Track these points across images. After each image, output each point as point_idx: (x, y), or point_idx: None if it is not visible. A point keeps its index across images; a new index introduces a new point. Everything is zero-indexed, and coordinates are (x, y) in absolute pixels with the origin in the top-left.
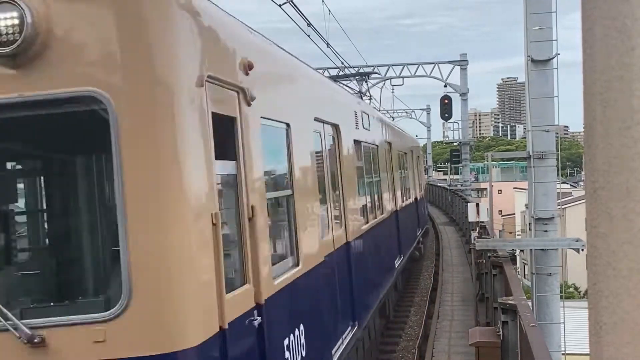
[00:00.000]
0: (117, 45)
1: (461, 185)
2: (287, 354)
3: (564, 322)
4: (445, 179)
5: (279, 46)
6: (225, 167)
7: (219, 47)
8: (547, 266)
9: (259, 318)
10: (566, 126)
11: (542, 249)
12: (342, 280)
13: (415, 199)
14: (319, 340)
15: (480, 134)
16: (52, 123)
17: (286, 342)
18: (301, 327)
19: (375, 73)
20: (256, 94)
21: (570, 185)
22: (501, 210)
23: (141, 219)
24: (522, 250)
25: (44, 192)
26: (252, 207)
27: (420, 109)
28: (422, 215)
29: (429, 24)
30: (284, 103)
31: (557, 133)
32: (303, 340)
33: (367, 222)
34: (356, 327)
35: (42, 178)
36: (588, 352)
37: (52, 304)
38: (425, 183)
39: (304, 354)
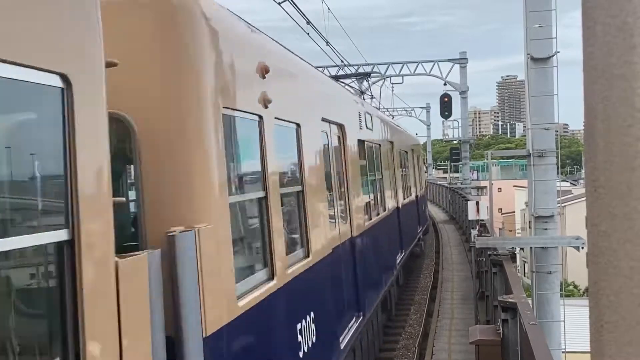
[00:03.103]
0: None
1: (461, 184)
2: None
3: (564, 320)
4: (445, 177)
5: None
6: None
7: None
8: (547, 264)
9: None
10: (566, 124)
11: (542, 247)
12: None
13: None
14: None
15: (480, 132)
16: None
17: None
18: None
19: (375, 72)
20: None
21: (570, 183)
22: (501, 209)
23: None
24: (522, 249)
25: None
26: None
27: (420, 107)
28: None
29: (428, 23)
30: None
31: (557, 131)
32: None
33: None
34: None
35: None
36: (588, 350)
37: None
38: (424, 181)
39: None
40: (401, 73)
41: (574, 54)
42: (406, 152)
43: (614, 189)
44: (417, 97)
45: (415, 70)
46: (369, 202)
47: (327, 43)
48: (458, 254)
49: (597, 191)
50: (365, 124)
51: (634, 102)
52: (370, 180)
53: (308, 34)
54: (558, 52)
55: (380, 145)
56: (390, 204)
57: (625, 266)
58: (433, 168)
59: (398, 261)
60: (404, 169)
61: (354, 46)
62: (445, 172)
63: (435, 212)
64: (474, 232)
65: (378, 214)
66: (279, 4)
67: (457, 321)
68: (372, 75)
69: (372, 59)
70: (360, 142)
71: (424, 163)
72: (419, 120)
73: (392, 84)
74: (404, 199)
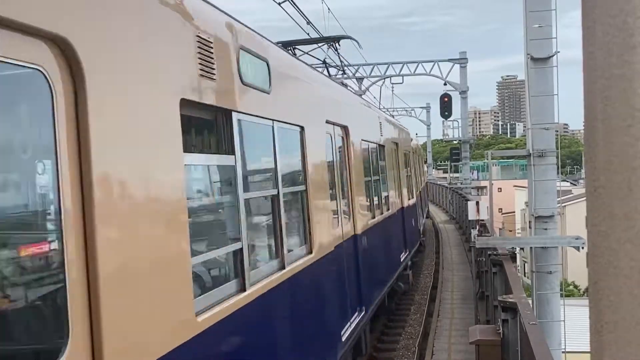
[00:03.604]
0: None
1: (461, 184)
2: None
3: (564, 320)
4: (446, 177)
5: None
6: None
7: None
8: (547, 264)
9: None
10: (566, 124)
11: (542, 247)
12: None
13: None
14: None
15: (480, 132)
16: None
17: None
18: None
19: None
20: None
21: (570, 183)
22: (501, 208)
23: None
24: (522, 248)
25: None
26: None
27: (420, 107)
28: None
29: (428, 23)
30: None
31: (557, 131)
32: None
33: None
34: None
35: None
36: (588, 350)
37: None
38: (421, 185)
39: None
40: (401, 73)
41: (574, 53)
42: (383, 146)
43: (614, 189)
44: (417, 97)
45: (416, 70)
46: (278, 236)
47: None
48: (458, 254)
49: (597, 191)
50: (269, 82)
51: (634, 102)
52: (304, 193)
53: (308, 34)
54: (558, 52)
55: (332, 133)
56: (337, 232)
57: (625, 266)
58: (433, 168)
59: (345, 337)
60: (379, 176)
61: (353, 46)
62: (445, 172)
63: (436, 212)
64: (474, 232)
65: (311, 251)
66: (279, 4)
67: (457, 321)
68: (342, 39)
69: (372, 59)
70: (259, 127)
71: (425, 163)
72: (419, 120)
73: (392, 84)
74: (381, 213)
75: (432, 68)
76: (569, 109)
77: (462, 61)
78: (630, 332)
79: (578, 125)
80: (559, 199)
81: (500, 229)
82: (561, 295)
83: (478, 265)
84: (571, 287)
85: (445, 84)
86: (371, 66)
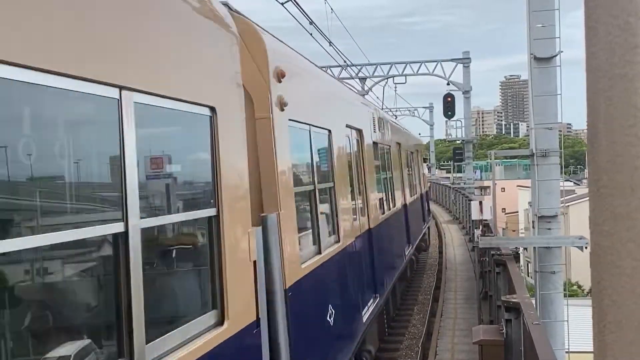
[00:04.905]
0: None
1: (464, 184)
2: None
3: (567, 320)
4: (449, 177)
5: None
6: None
7: None
8: (551, 264)
9: None
10: (569, 124)
11: (546, 247)
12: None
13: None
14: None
15: (483, 132)
16: None
17: None
18: None
19: None
20: None
21: (574, 183)
22: (504, 208)
23: None
24: (525, 248)
25: None
26: None
27: (423, 107)
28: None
29: (430, 22)
30: None
31: (560, 131)
32: None
33: None
34: None
35: None
36: (592, 350)
37: None
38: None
39: None
40: (404, 73)
41: (577, 53)
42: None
43: (616, 189)
44: (420, 97)
45: (418, 70)
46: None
47: (330, 43)
48: (461, 254)
49: (599, 191)
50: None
51: (636, 102)
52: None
53: (311, 34)
54: (561, 51)
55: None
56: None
57: (627, 266)
58: (436, 168)
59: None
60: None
61: (356, 46)
62: (448, 172)
63: (439, 212)
64: (477, 232)
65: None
66: (282, 4)
67: (460, 321)
68: None
69: (374, 59)
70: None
71: (424, 162)
72: (422, 120)
73: (395, 83)
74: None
75: (435, 68)
76: (572, 108)
77: (465, 61)
78: (632, 332)
79: (581, 124)
80: (563, 198)
81: (503, 228)
82: (564, 295)
83: (481, 265)
84: (575, 287)
85: (448, 84)
86: (374, 66)
